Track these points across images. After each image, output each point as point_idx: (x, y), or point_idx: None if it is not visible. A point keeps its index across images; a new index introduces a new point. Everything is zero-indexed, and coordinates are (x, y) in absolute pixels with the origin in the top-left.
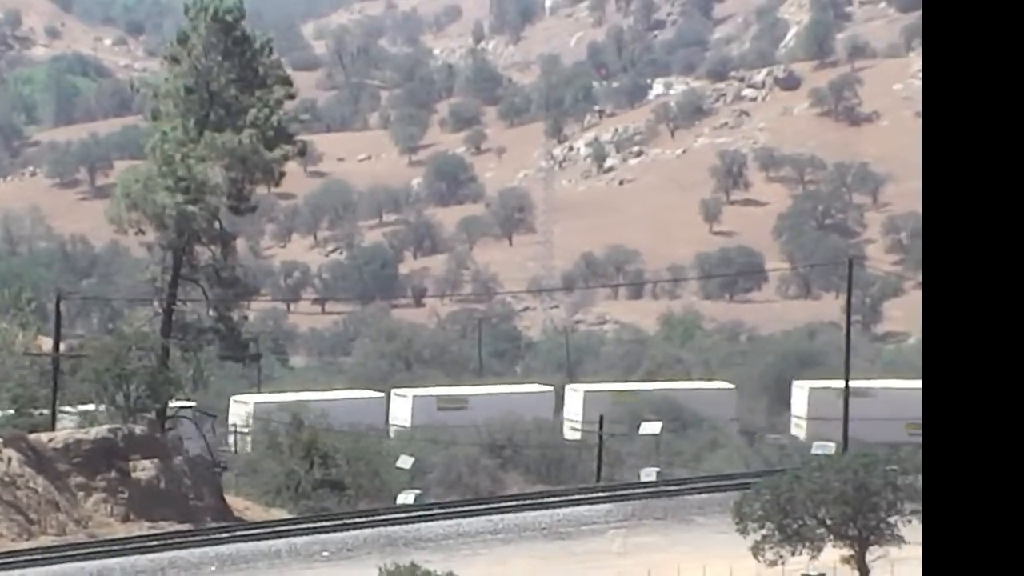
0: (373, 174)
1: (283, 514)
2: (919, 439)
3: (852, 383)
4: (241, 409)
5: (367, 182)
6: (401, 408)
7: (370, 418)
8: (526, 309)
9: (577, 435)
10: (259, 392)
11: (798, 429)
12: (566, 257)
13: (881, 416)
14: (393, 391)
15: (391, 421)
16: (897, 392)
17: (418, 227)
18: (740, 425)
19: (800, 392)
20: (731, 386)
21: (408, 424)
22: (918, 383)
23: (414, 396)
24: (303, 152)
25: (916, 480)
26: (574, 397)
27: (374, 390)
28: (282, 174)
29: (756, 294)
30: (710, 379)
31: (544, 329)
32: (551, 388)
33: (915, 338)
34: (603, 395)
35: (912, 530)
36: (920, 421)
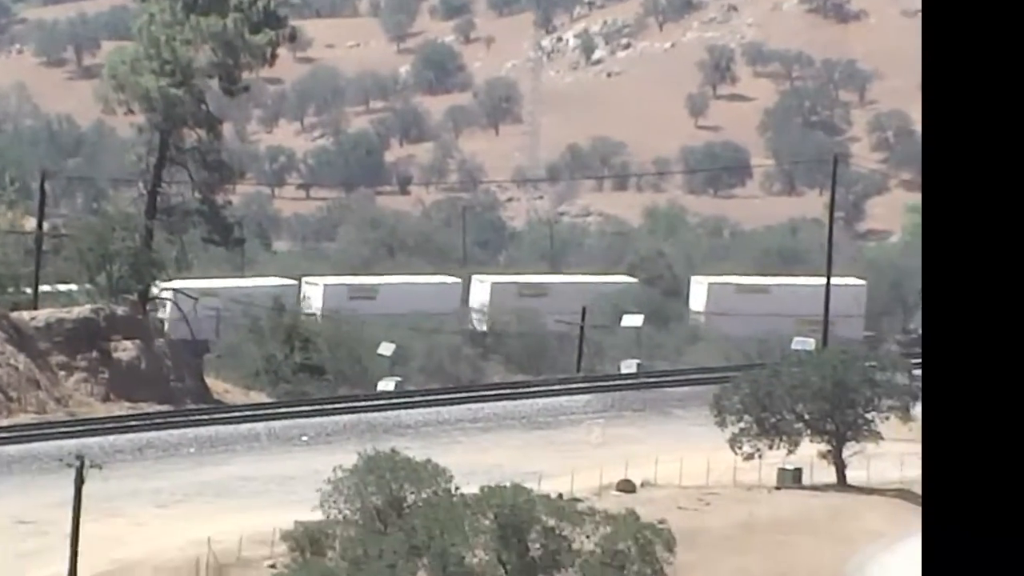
0: (361, 61)
1: (263, 398)
2: (812, 335)
3: (751, 279)
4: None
5: (355, 69)
6: (314, 295)
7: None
8: (511, 199)
9: (484, 327)
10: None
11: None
12: (552, 148)
13: (778, 312)
14: (304, 279)
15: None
16: (792, 288)
17: (405, 115)
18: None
19: (699, 287)
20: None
21: (319, 311)
22: (815, 279)
23: (325, 284)
24: (292, 37)
25: (894, 376)
26: (481, 288)
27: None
28: (274, 56)
29: (740, 190)
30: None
31: (528, 220)
32: (459, 280)
33: (897, 236)
34: (510, 287)
35: (889, 427)
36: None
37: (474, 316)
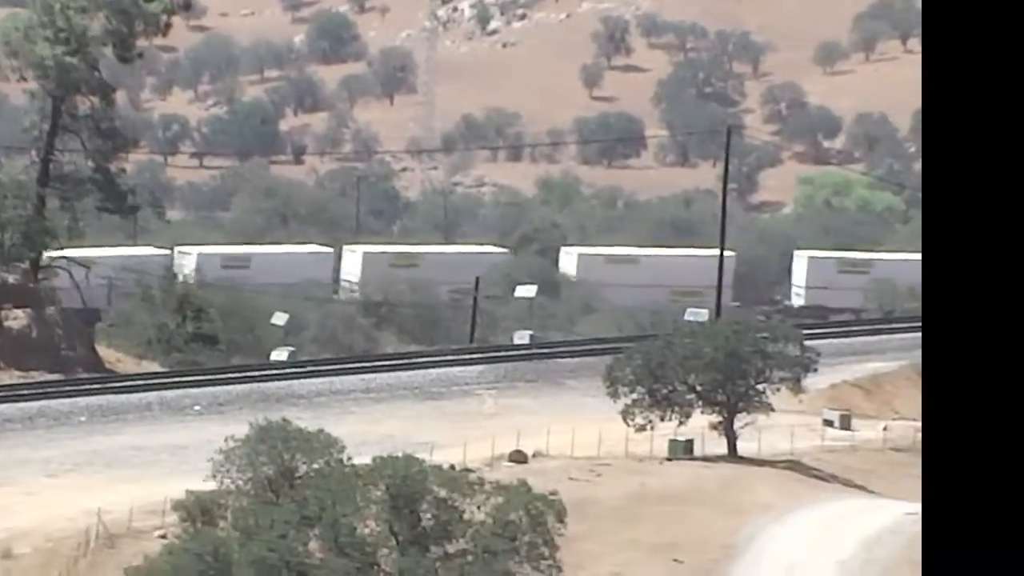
0: (256, 30)
1: (155, 367)
2: (682, 304)
3: (619, 250)
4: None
5: (250, 38)
6: (187, 264)
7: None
8: (405, 169)
9: (356, 295)
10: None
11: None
12: (446, 118)
13: (647, 282)
14: (176, 248)
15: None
16: (664, 259)
17: (299, 84)
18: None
19: (568, 258)
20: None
21: (193, 280)
22: (686, 251)
23: (198, 253)
24: (187, 5)
25: (786, 348)
26: (352, 258)
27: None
28: (168, 25)
29: (634, 160)
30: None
31: (423, 190)
32: (331, 249)
33: (790, 207)
34: (382, 257)
35: (780, 398)
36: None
37: (344, 285)
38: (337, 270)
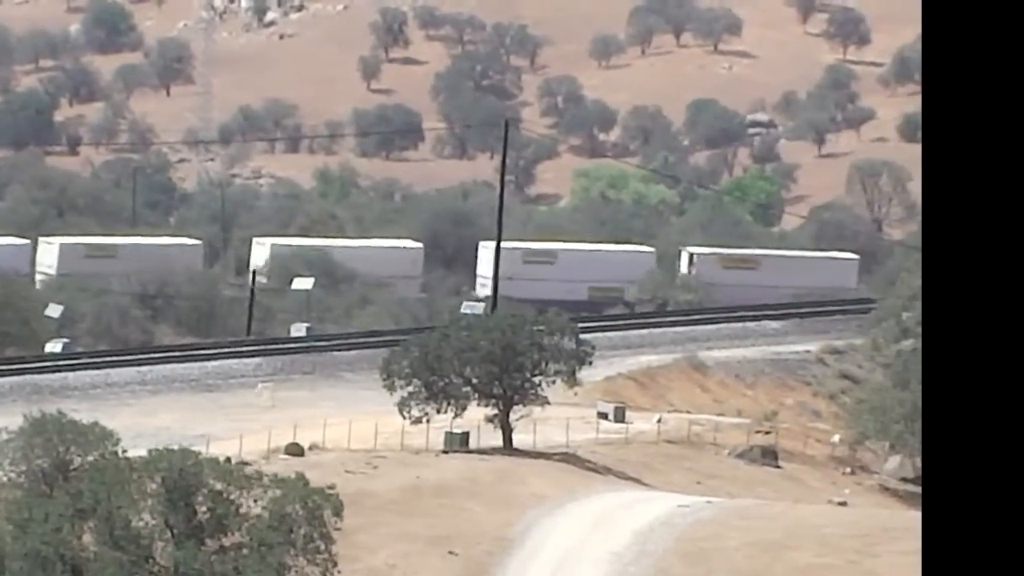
0: (30, 19)
1: None
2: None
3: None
4: None
5: (24, 27)
6: (48, 255)
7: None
8: (182, 160)
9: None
10: None
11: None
12: (224, 110)
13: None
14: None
15: (37, 268)
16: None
17: (75, 74)
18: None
19: (260, 249)
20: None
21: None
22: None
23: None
24: None
25: (561, 341)
26: (48, 249)
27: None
28: None
29: (412, 153)
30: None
31: (200, 181)
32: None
33: (566, 200)
34: (78, 248)
35: (554, 391)
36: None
37: (38, 277)
38: (33, 261)
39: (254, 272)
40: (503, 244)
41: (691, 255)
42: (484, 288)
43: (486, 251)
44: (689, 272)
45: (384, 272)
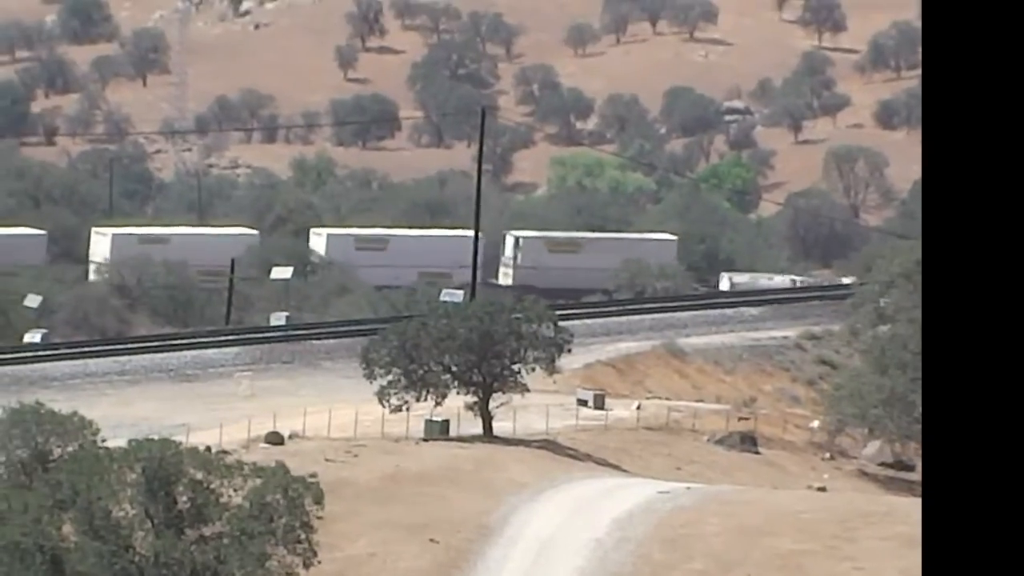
0: (5, 9)
1: None
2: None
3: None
4: None
5: None
6: (101, 245)
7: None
8: (159, 151)
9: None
10: None
11: None
12: (200, 100)
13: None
14: (93, 229)
15: (91, 258)
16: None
17: (50, 65)
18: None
19: (318, 239)
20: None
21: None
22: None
23: (114, 234)
24: None
25: (540, 329)
26: (101, 240)
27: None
28: None
29: (389, 142)
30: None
31: (176, 171)
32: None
33: (543, 188)
34: (131, 237)
35: (534, 378)
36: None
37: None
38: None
39: (232, 262)
40: (334, 231)
41: (516, 239)
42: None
43: (317, 238)
44: (515, 256)
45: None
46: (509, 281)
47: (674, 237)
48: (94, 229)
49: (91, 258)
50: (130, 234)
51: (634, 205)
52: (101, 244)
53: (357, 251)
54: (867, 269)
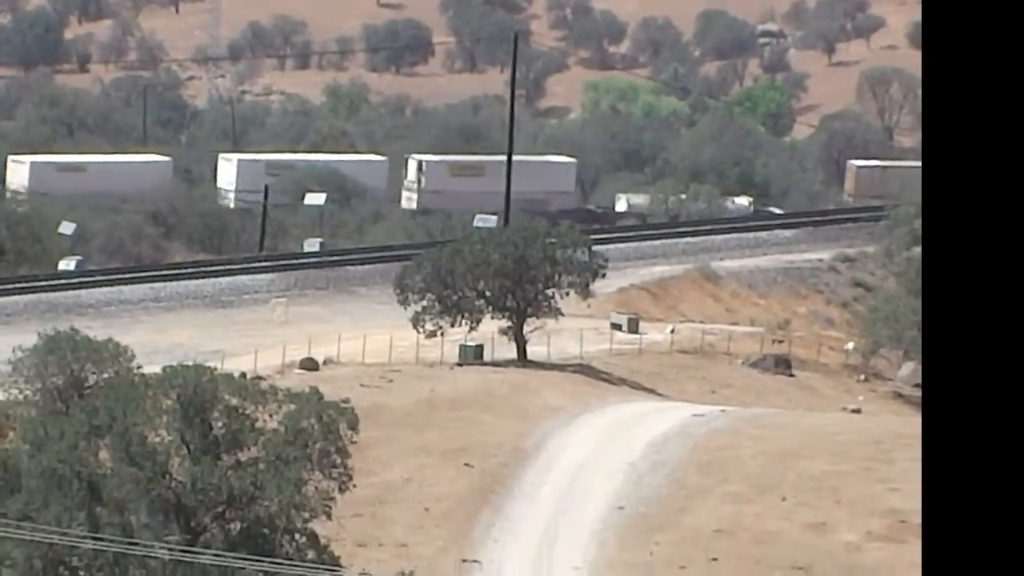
0: None
1: None
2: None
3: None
4: None
5: None
6: (228, 172)
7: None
8: (192, 78)
9: (230, 204)
10: None
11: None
12: (233, 26)
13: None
14: (10, 158)
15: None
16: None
17: None
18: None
19: (19, 168)
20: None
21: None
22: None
23: (239, 160)
24: None
25: (574, 253)
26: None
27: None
28: None
29: (422, 68)
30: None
31: (210, 98)
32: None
33: (576, 113)
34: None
35: (568, 303)
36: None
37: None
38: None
39: (266, 188)
40: (243, 156)
41: (420, 163)
42: (225, 201)
43: (227, 163)
44: (418, 180)
45: (132, 189)
46: (413, 205)
47: (573, 160)
48: (10, 157)
49: (7, 186)
50: (48, 162)
51: (668, 129)
52: (19, 172)
53: (268, 176)
54: (901, 191)
